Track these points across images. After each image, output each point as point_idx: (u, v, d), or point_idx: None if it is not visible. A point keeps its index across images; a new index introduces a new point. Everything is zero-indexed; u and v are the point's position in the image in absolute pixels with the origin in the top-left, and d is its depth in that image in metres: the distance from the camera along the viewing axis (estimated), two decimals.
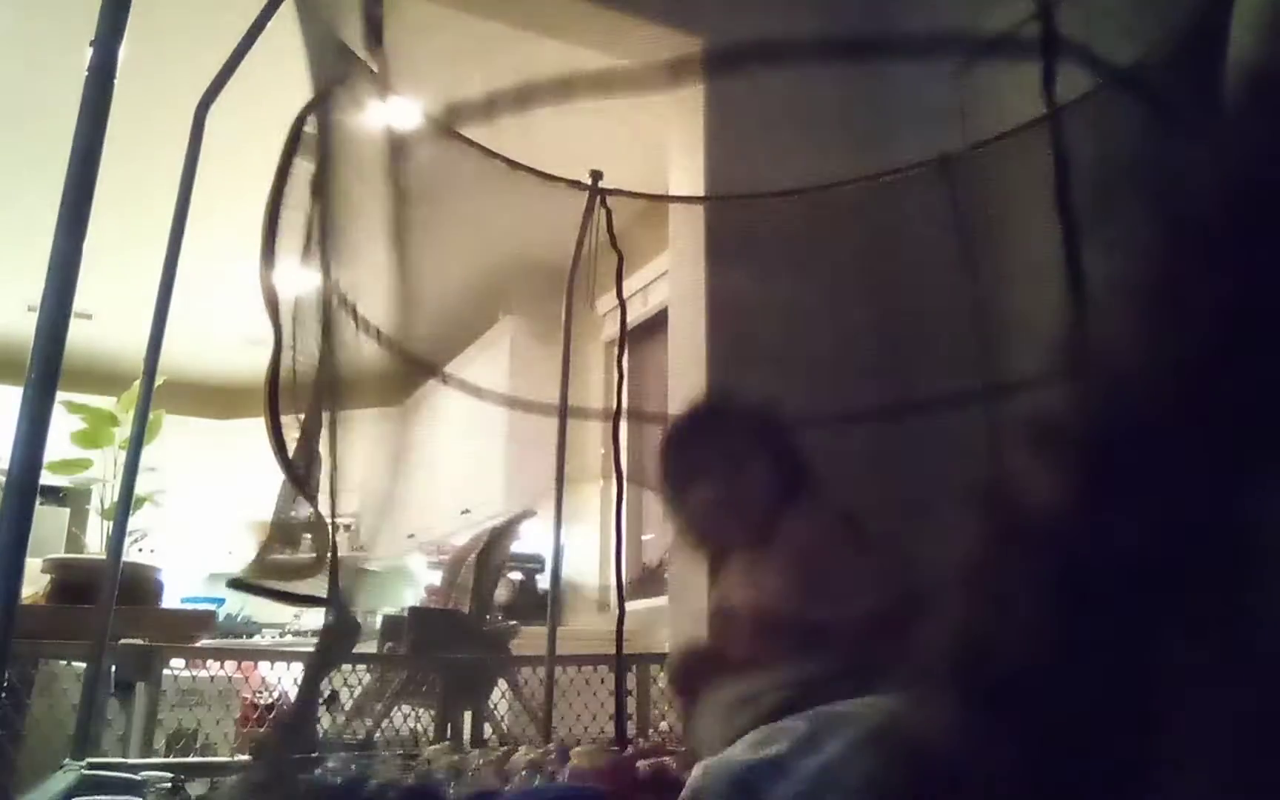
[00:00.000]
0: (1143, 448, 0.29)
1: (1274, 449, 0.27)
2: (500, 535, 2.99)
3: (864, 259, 2.32)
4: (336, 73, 1.56)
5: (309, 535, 1.44)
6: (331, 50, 1.56)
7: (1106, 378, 0.31)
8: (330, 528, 1.40)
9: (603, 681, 2.24)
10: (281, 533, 1.46)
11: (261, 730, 2.11)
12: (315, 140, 1.49)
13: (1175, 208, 0.31)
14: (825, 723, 0.91)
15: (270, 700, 2.28)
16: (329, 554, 1.38)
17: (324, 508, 1.43)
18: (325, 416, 1.48)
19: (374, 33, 1.58)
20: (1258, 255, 0.28)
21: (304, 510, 1.43)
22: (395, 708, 2.39)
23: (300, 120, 1.47)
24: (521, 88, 1.80)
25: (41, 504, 0.90)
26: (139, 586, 2.36)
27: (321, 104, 1.51)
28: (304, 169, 1.47)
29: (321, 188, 1.48)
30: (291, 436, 1.41)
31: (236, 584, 1.41)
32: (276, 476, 1.44)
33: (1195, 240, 0.30)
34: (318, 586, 1.39)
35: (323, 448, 1.48)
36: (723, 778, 0.94)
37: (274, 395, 1.36)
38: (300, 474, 1.39)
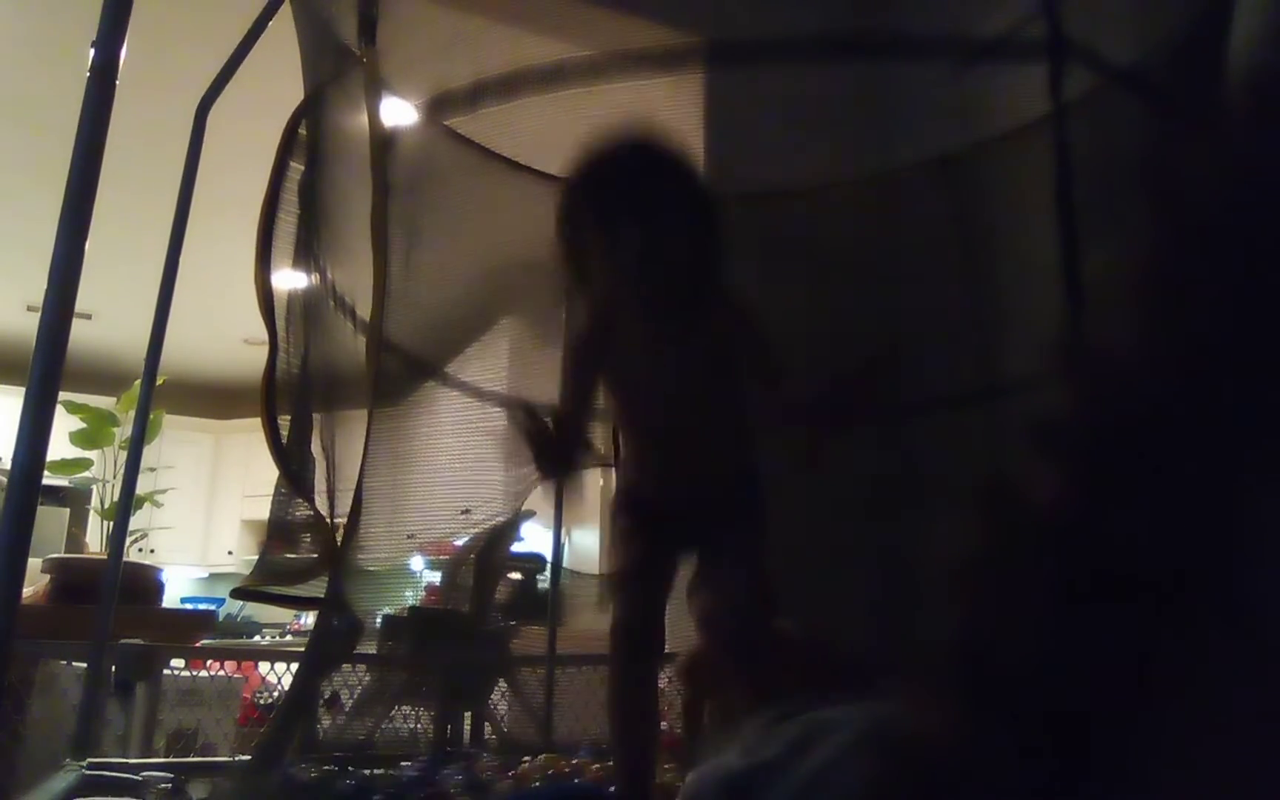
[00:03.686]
0: (1143, 447, 0.29)
1: (1275, 448, 0.27)
2: (500, 535, 2.98)
3: (864, 258, 2.32)
4: (331, 71, 1.55)
5: (307, 536, 1.43)
6: (328, 49, 1.56)
7: (1107, 377, 0.31)
8: (331, 528, 1.40)
9: (603, 681, 2.23)
10: (280, 534, 1.46)
11: (262, 730, 2.11)
12: (307, 142, 1.49)
13: (1178, 205, 0.31)
14: (818, 727, 0.91)
15: (270, 700, 2.28)
16: (330, 554, 1.38)
17: (322, 507, 1.42)
18: (320, 417, 1.48)
19: (367, 31, 1.58)
20: (1260, 253, 0.28)
21: (301, 511, 1.43)
22: (395, 708, 2.38)
23: (294, 121, 1.47)
24: (508, 76, 1.78)
25: (41, 504, 0.90)
26: (139, 586, 2.36)
27: (315, 104, 1.51)
28: (299, 171, 1.47)
29: (312, 188, 1.47)
30: (289, 438, 1.41)
31: (240, 593, 1.41)
32: (275, 476, 1.44)
33: (1198, 238, 0.30)
34: (319, 588, 1.39)
35: (319, 448, 1.47)
36: (716, 784, 0.94)
37: (270, 396, 1.36)
38: (297, 474, 1.39)
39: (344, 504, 1.48)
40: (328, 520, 1.44)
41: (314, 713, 1.92)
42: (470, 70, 1.81)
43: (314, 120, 1.52)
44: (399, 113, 1.84)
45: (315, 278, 1.53)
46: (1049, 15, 1.58)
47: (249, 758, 1.60)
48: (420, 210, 1.85)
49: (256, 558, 1.65)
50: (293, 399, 1.45)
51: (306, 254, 1.50)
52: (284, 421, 1.42)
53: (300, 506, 1.43)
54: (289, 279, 1.51)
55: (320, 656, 1.70)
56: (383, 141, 1.62)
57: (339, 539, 1.44)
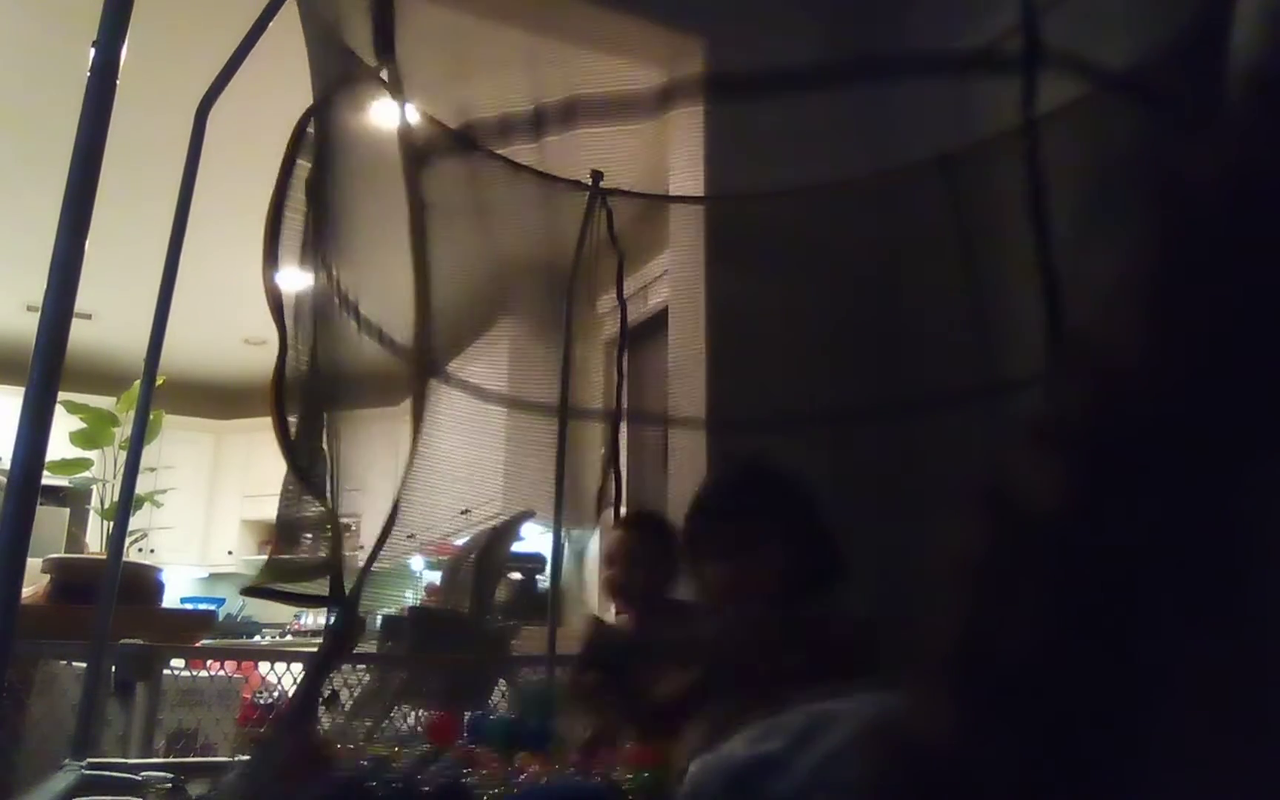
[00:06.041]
0: (1141, 447, 0.29)
1: (1273, 449, 0.27)
2: (500, 535, 2.98)
3: (864, 258, 2.32)
4: (337, 72, 1.55)
5: (313, 536, 1.43)
6: (334, 53, 1.56)
7: (1105, 378, 0.31)
8: (338, 527, 1.40)
9: None
10: (287, 532, 1.46)
11: (262, 730, 2.11)
12: (315, 141, 1.49)
13: (1174, 208, 0.31)
14: (821, 719, 0.91)
15: (270, 700, 2.28)
16: (338, 553, 1.38)
17: (332, 507, 1.42)
18: (326, 416, 1.48)
19: (385, 43, 1.57)
20: (1257, 255, 0.28)
21: (309, 510, 1.43)
22: (395, 708, 2.38)
23: (303, 122, 1.47)
24: (534, 112, 1.82)
25: (41, 504, 0.90)
26: (139, 586, 2.36)
27: (324, 106, 1.51)
28: (306, 171, 1.47)
29: (319, 188, 1.47)
30: (297, 435, 1.40)
31: (251, 591, 1.41)
32: (276, 476, 1.44)
33: (1194, 240, 0.30)
34: (324, 587, 1.39)
35: (325, 446, 1.47)
36: (720, 775, 0.94)
37: (280, 395, 1.36)
38: (307, 472, 1.39)
39: (347, 503, 1.49)
40: (338, 519, 1.44)
41: (315, 711, 1.92)
42: (478, 74, 1.83)
43: (321, 120, 1.52)
44: (410, 118, 1.83)
45: (322, 276, 1.52)
46: (1028, 26, 1.57)
47: (250, 758, 1.59)
48: (426, 211, 1.85)
49: (256, 557, 1.65)
50: (300, 397, 1.45)
51: (313, 252, 1.50)
52: (293, 421, 1.42)
53: (308, 504, 1.43)
54: (296, 277, 1.50)
55: (324, 655, 1.70)
56: (415, 158, 1.62)
57: (344, 537, 1.44)
